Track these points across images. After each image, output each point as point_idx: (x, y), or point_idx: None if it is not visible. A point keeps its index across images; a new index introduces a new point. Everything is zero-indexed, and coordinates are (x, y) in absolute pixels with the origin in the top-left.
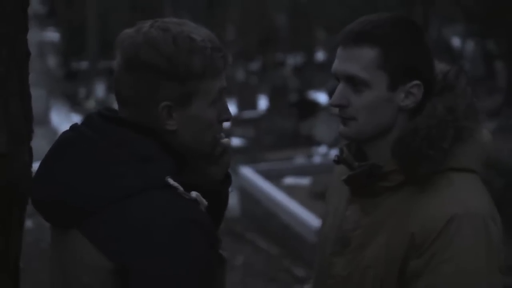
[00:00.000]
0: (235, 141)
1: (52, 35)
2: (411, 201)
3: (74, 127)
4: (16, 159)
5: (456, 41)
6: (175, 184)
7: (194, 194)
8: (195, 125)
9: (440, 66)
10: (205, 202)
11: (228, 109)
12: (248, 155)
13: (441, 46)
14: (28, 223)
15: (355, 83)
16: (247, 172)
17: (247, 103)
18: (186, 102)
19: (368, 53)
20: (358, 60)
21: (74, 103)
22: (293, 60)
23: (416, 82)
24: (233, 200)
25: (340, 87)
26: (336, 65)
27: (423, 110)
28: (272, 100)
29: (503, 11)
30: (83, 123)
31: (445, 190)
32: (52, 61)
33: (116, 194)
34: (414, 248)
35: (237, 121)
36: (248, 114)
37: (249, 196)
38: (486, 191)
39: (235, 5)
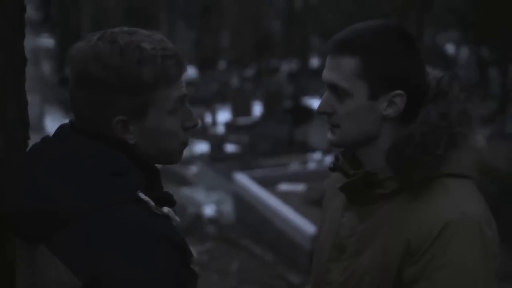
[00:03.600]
0: (230, 148)
1: (47, 41)
2: (406, 208)
3: (45, 139)
4: (12, 166)
5: (450, 48)
6: (146, 198)
7: (166, 209)
8: (156, 136)
9: (434, 73)
10: (177, 218)
11: (192, 116)
12: (243, 161)
13: (435, 52)
14: None
15: (337, 91)
16: (242, 179)
17: (241, 109)
18: (141, 114)
19: (349, 63)
20: (340, 69)
21: (68, 110)
22: (288, 66)
23: (398, 91)
24: (228, 206)
25: (326, 94)
26: (324, 73)
27: (416, 117)
28: (266, 107)
29: (496, 18)
30: (54, 135)
31: (440, 196)
32: (46, 67)
33: (85, 208)
34: (410, 254)
35: (231, 127)
36: (243, 120)
37: (244, 202)
38: (481, 197)
39: (230, 11)
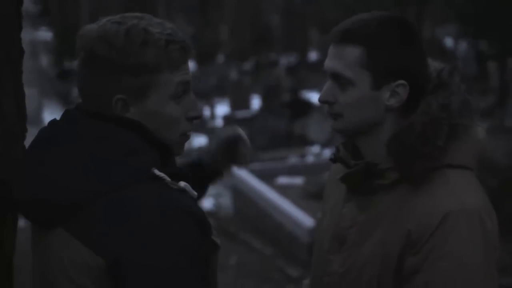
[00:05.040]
0: None
1: (45, 34)
2: (407, 199)
3: (53, 123)
4: (9, 158)
5: (449, 42)
6: (162, 175)
7: (182, 184)
8: (156, 120)
9: (434, 64)
10: (194, 192)
11: (196, 106)
12: None
13: (434, 46)
14: (21, 222)
15: (340, 80)
16: (240, 172)
17: (240, 103)
18: (141, 96)
19: (352, 52)
20: (343, 58)
21: (67, 103)
22: (286, 60)
23: (401, 82)
24: (227, 199)
25: (328, 84)
26: (326, 62)
27: (417, 108)
28: (265, 100)
29: (496, 12)
30: (62, 118)
31: (440, 187)
32: (44, 60)
33: (102, 189)
34: (411, 245)
35: (230, 121)
36: (241, 114)
37: (243, 196)
38: (481, 188)
39: (228, 5)
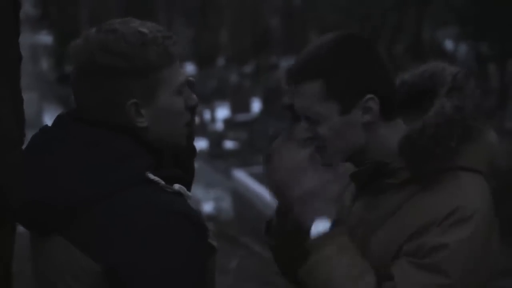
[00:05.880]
0: (229, 144)
1: (45, 38)
2: (415, 199)
3: (45, 129)
4: (6, 163)
5: (449, 44)
6: (156, 178)
7: (177, 186)
8: (166, 117)
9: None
10: (189, 193)
11: (192, 95)
12: (241, 157)
13: (434, 48)
14: (20, 227)
15: (310, 118)
16: (240, 175)
17: (240, 106)
18: (151, 96)
19: (311, 88)
20: (304, 97)
21: (67, 107)
22: (287, 63)
23: (368, 96)
24: (227, 203)
25: (302, 122)
26: (294, 102)
27: (396, 105)
28: (265, 103)
29: (495, 14)
30: (54, 125)
31: (449, 188)
32: (44, 64)
33: (96, 193)
34: (413, 237)
35: (230, 124)
36: (242, 117)
37: (243, 199)
38: (490, 193)
39: (228, 8)
